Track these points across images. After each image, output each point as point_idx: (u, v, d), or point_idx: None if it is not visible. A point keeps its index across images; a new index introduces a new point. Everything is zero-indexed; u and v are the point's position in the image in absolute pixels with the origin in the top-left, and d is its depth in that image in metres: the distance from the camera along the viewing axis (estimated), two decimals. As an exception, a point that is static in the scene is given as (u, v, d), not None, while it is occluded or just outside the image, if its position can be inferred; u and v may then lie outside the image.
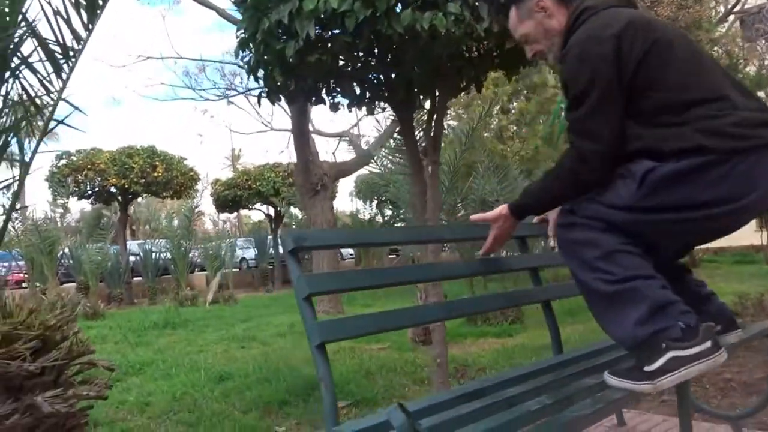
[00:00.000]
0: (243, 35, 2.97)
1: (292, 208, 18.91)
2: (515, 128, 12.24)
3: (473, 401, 1.39)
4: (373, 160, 10.62)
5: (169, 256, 16.18)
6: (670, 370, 1.45)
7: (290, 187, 17.96)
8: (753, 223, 14.38)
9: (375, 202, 21.16)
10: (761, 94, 13.63)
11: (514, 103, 12.66)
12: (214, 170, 76.28)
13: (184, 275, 15.76)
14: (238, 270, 19.55)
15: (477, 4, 2.52)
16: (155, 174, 16.41)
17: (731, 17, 15.86)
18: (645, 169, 1.53)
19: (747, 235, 13.96)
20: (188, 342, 7.37)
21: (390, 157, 7.56)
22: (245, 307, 11.68)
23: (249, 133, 43.22)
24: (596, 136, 1.58)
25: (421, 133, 3.80)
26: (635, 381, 1.49)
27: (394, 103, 3.27)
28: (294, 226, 21.50)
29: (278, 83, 2.97)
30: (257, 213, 25.11)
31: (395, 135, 6.81)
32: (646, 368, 1.48)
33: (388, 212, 21.65)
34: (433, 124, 3.09)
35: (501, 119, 12.12)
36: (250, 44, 2.98)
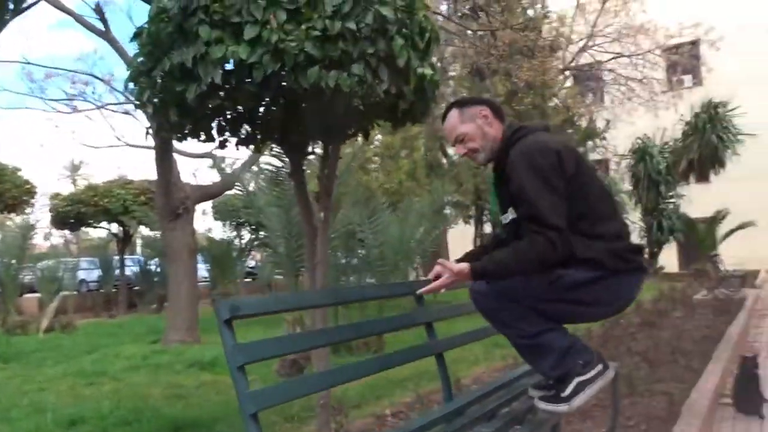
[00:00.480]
0: (137, 68, 2.90)
1: (143, 228, 17.87)
2: (379, 160, 12.71)
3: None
4: (237, 184, 10.45)
5: (-7, 276, 14.50)
6: (579, 392, 1.99)
7: (142, 206, 16.98)
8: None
9: (234, 224, 20.64)
10: (590, 143, 15.46)
11: (379, 135, 13.17)
12: (53, 183, 69.28)
13: (14, 299, 14.20)
14: (77, 293, 17.96)
15: (378, 66, 2.71)
16: (-18, 186, 14.70)
17: (567, 73, 17.84)
18: (556, 274, 1.96)
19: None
20: (25, 378, 6.66)
21: (263, 186, 7.52)
22: (88, 335, 10.78)
23: (100, 146, 40.09)
24: (557, 227, 1.93)
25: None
26: (556, 404, 2.00)
27: (287, 147, 3.35)
28: (142, 248, 20.29)
29: (172, 122, 2.92)
30: (98, 231, 23.32)
31: (270, 165, 6.82)
32: (562, 394, 1.99)
33: (246, 234, 21.25)
34: (326, 171, 3.22)
35: (366, 150, 12.55)
36: (142, 79, 2.92)
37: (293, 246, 7.16)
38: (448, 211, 13.11)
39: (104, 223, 18.19)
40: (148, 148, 14.78)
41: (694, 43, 20.68)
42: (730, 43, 20.10)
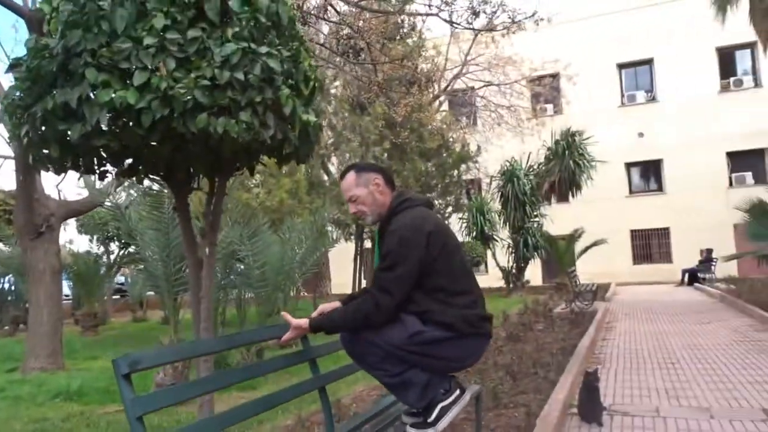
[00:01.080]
0: (14, 102, 2.83)
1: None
2: (260, 177, 12.67)
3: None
4: (108, 202, 10.00)
5: None
6: (441, 416, 2.33)
7: (-4, 220, 15.61)
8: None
9: (101, 239, 19.46)
10: (464, 166, 16.38)
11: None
12: None
13: None
14: None
15: (265, 113, 2.87)
16: None
17: (442, 97, 18.83)
18: (416, 329, 2.28)
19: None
20: None
21: (140, 209, 7.28)
22: (-69, 364, 9.70)
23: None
24: (393, 295, 2.26)
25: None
26: (424, 429, 2.32)
27: (172, 182, 3.39)
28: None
29: (51, 157, 2.88)
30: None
31: (148, 187, 6.65)
32: (428, 419, 2.33)
33: (114, 248, 20.11)
34: (212, 207, 3.30)
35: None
36: (18, 112, 2.86)
37: (171, 269, 7.01)
38: (330, 228, 13.31)
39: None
40: (4, 157, 13.70)
41: (555, 76, 22.68)
42: (585, 78, 22.26)
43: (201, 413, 2.92)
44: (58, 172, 3.08)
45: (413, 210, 2.42)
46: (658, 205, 24.77)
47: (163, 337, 7.43)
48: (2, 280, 16.87)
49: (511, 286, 19.20)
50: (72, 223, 19.88)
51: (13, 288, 16.60)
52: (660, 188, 25.41)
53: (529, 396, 5.11)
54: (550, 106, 24.68)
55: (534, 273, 22.52)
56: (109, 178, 3.51)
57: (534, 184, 18.74)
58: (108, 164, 3.35)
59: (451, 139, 14.62)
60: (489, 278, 22.81)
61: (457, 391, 2.41)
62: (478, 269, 23.67)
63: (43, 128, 2.76)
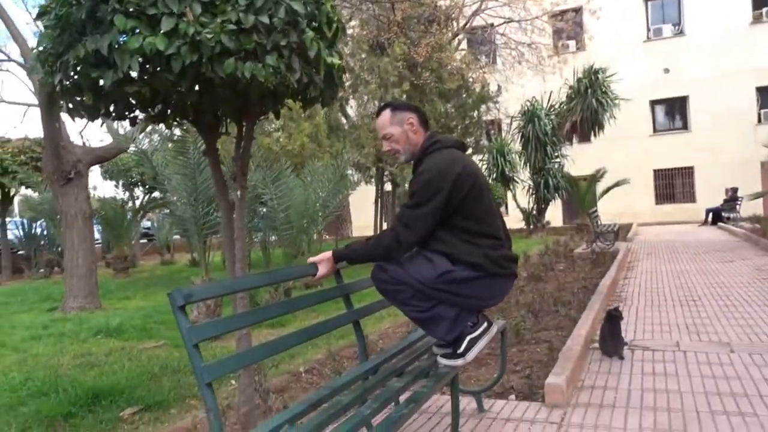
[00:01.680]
0: (46, 51, 2.88)
1: (24, 189, 16.77)
2: (280, 122, 12.68)
3: (319, 409, 1.82)
4: (133, 146, 10.13)
5: None
6: (470, 347, 2.45)
7: (23, 166, 15.90)
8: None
9: (127, 184, 19.81)
10: (483, 107, 16.18)
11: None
12: None
13: None
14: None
15: (291, 57, 2.88)
16: None
17: (461, 36, 18.39)
18: (445, 269, 2.36)
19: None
20: None
21: (167, 155, 7.39)
22: (-27, 305, 10.18)
23: (-29, 103, 36.53)
24: (414, 232, 2.35)
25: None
26: (454, 359, 2.45)
27: (201, 127, 3.45)
28: (21, 209, 19.01)
29: (85, 104, 2.95)
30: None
31: (175, 134, 6.73)
32: (458, 351, 2.46)
33: (139, 193, 20.49)
34: (241, 151, 3.37)
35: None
36: (50, 60, 2.91)
37: (199, 213, 7.17)
38: (350, 171, 13.37)
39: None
40: (28, 105, 13.85)
41: (577, 11, 21.93)
42: (608, 12, 21.49)
43: (239, 346, 3.08)
44: (92, 119, 3.15)
45: (444, 152, 2.47)
46: (682, 144, 24.34)
47: (194, 278, 7.68)
48: (34, 226, 17.35)
49: (531, 227, 19.25)
50: (96, 169, 20.22)
51: (45, 233, 17.07)
52: (685, 126, 24.88)
53: (551, 333, 5.25)
54: (572, 43, 24.01)
55: (554, 214, 22.51)
56: (139, 124, 3.58)
57: (555, 124, 18.48)
58: (138, 110, 3.41)
59: (470, 80, 14.37)
60: (509, 220, 22.82)
61: (485, 324, 2.52)
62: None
63: (76, 76, 2.81)
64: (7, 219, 17.61)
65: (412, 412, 1.85)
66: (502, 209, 23.34)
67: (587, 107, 17.65)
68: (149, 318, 7.52)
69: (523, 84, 19.33)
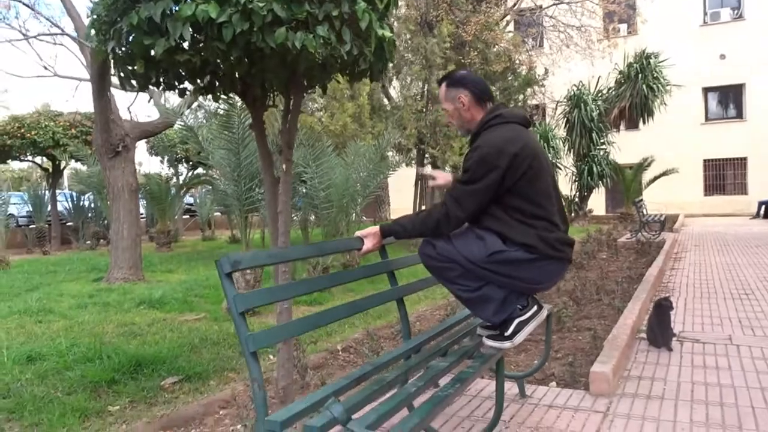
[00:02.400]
0: (100, 18, 2.89)
1: (75, 162, 17.24)
2: (323, 102, 12.66)
3: (362, 386, 1.78)
4: (180, 123, 10.25)
5: None
6: (518, 331, 2.36)
7: (73, 139, 16.33)
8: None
9: (171, 160, 20.17)
10: (528, 90, 15.85)
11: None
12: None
13: (-61, 235, 13.61)
14: (6, 228, 17.29)
15: (341, 28, 2.83)
16: None
17: (508, 17, 17.97)
18: (496, 248, 2.28)
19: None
20: (-34, 316, 6.60)
21: (212, 129, 7.44)
22: (24, 273, 10.55)
23: (26, 76, 37.94)
24: (464, 208, 2.28)
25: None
26: (501, 342, 2.36)
27: (248, 99, 3.43)
28: (71, 182, 19.58)
29: (137, 72, 2.96)
30: (18, 164, 22.32)
31: (220, 108, 6.76)
32: (506, 333, 2.37)
33: (183, 169, 20.87)
34: (287, 124, 3.34)
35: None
36: (104, 28, 2.93)
37: (242, 188, 7.21)
38: (390, 153, 13.30)
39: (31, 156, 17.39)
40: (79, 79, 14.15)
41: (632, -7, 21.18)
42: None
43: (280, 319, 3.08)
44: (142, 89, 3.17)
45: (504, 127, 2.37)
46: (736, 133, 23.41)
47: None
48: (83, 198, 17.86)
49: (573, 215, 18.87)
50: (142, 146, 20.66)
51: (92, 206, 17.55)
52: (739, 115, 23.91)
53: (593, 321, 5.13)
54: (623, 26, 23.22)
55: (597, 202, 22.01)
56: (186, 98, 3.58)
57: (602, 110, 17.98)
58: (187, 81, 3.41)
59: (517, 62, 14.04)
60: (550, 207, 22.48)
61: (535, 308, 2.44)
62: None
63: (128, 44, 2.82)
64: (57, 191, 18.17)
65: (457, 392, 1.80)
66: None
67: (637, 93, 17.11)
68: (190, 291, 7.66)
69: (570, 68, 18.82)
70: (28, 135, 16.03)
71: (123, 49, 2.87)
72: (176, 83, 3.34)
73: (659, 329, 4.21)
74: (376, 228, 2.42)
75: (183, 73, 3.30)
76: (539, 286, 2.46)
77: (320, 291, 2.63)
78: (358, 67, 3.16)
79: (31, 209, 17.54)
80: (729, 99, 24.27)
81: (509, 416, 2.94)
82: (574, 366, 3.75)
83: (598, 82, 18.45)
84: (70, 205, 17.78)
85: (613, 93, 18.05)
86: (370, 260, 7.59)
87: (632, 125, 18.89)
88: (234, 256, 1.61)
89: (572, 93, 18.13)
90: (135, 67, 2.92)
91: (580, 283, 6.69)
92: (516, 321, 2.35)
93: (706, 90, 24.05)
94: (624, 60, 17.78)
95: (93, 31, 2.98)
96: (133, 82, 3.08)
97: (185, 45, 2.77)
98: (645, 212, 13.11)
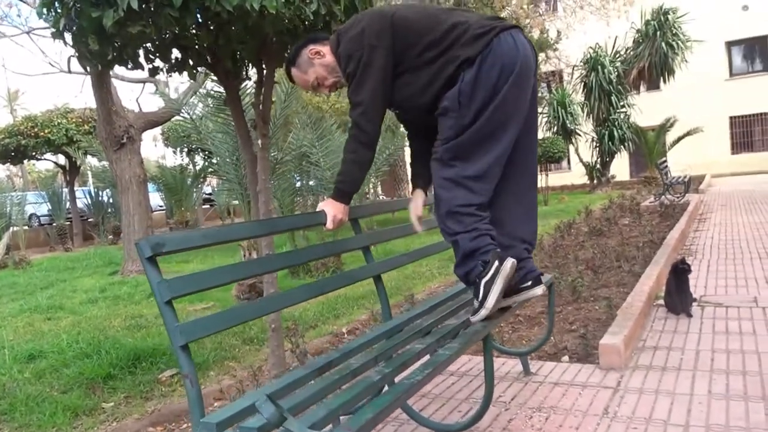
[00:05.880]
0: (47, -6, 2.70)
1: (90, 157, 17.29)
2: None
3: (324, 375, 1.59)
4: (183, 110, 10.11)
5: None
6: (487, 293, 1.98)
7: (87, 135, 16.36)
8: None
9: (185, 150, 20.14)
10: (542, 55, 15.35)
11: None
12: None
13: (-40, 237, 13.76)
14: (28, 228, 17.52)
15: (306, -14, 2.59)
16: None
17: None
18: (455, 95, 2.03)
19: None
20: (-21, 317, 6.61)
21: (208, 112, 7.28)
22: (44, 270, 10.62)
23: (33, 74, 38.28)
24: (365, 104, 2.07)
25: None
26: (477, 312, 2.02)
27: (219, 73, 3.23)
28: (92, 179, 19.72)
29: (92, 50, 2.77)
30: (44, 163, 22.57)
31: (212, 88, 6.58)
32: (476, 302, 2.05)
33: (199, 160, 20.82)
34: (261, 97, 3.13)
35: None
36: (56, 4, 2.74)
37: (242, 172, 7.05)
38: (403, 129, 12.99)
39: (49, 155, 17.51)
40: (85, 74, 14.09)
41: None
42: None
43: (267, 291, 2.90)
44: (101, 66, 2.98)
45: (346, 28, 2.17)
46: (763, 88, 22.48)
47: (243, 243, 7.63)
48: (101, 194, 17.98)
49: (595, 182, 18.38)
50: (160, 138, 20.68)
51: (111, 200, 17.65)
52: (766, 68, 22.96)
53: (612, 290, 4.87)
54: (640, -17, 22.40)
55: (620, 167, 21.40)
56: (191, 86, 3.37)
57: (621, 72, 17.36)
58: (157, 58, 3.22)
59: (528, 26, 13.54)
60: (572, 175, 21.98)
61: (496, 263, 2.00)
62: (560, 166, 22.79)
63: (79, 20, 2.63)
64: (77, 188, 18.31)
65: (427, 378, 1.59)
66: (564, 164, 22.43)
67: (656, 51, 16.46)
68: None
69: (586, 30, 18.18)
70: (42, 134, 16.10)
71: (75, 25, 2.68)
72: (144, 62, 3.16)
73: (677, 294, 3.94)
74: (329, 199, 2.16)
75: (150, 50, 3.12)
76: (513, 73, 2.03)
77: (269, 273, 2.41)
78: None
79: (50, 208, 17.71)
80: (754, 52, 23.28)
81: (510, 396, 2.73)
82: (587, 338, 3.51)
83: (615, 43, 17.80)
84: (89, 201, 17.91)
85: (631, 53, 17.41)
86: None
87: (653, 86, 18.24)
88: (156, 238, 1.42)
89: (588, 56, 17.53)
90: (90, 44, 2.73)
91: (599, 250, 6.41)
92: (482, 282, 2.00)
93: (730, 44, 23.09)
94: (641, 18, 17.10)
95: (44, 9, 2.79)
96: (92, 60, 2.89)
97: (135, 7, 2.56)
98: (669, 174, 12.64)
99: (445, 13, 2.16)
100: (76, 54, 2.90)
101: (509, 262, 1.98)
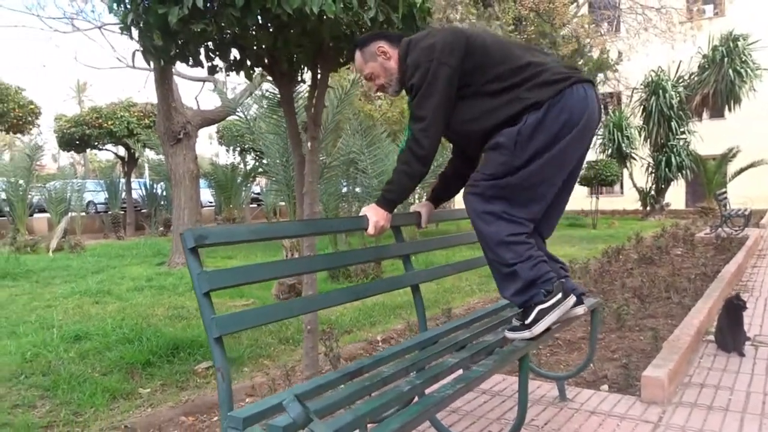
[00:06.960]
0: (117, -10, 2.80)
1: (148, 150, 17.86)
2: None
3: (354, 381, 1.57)
4: (239, 110, 10.33)
5: (3, 196, 14.67)
6: (539, 319, 2.03)
7: (146, 129, 16.91)
8: (586, 189, 16.07)
9: (238, 150, 20.58)
10: (600, 75, 15.06)
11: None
12: (57, 104, 69.03)
13: (23, 219, 14.41)
14: (85, 214, 18.20)
15: (365, -7, 2.60)
16: (-14, 105, 14.66)
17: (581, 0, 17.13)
18: (513, 134, 2.02)
19: (579, 200, 15.62)
20: (33, 296, 6.88)
21: (262, 113, 7.41)
22: (95, 256, 10.99)
23: (102, 68, 39.91)
24: (426, 120, 2.05)
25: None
26: (520, 332, 2.06)
27: (276, 75, 3.28)
28: (149, 171, 20.36)
29: (156, 45, 2.85)
30: (105, 153, 23.41)
31: (267, 89, 6.69)
32: (525, 322, 2.06)
33: (250, 160, 21.24)
34: (314, 100, 3.16)
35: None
36: (126, 1, 2.84)
37: (291, 173, 7.14)
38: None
39: (110, 146, 18.17)
40: (149, 70, 14.59)
41: (719, -29, 19.75)
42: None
43: (306, 292, 2.92)
44: (164, 62, 3.07)
45: (418, 38, 2.14)
46: (835, 122, 21.40)
47: (285, 242, 7.73)
48: (156, 186, 18.53)
49: (648, 208, 17.85)
50: (215, 137, 21.17)
51: (164, 193, 18.17)
52: (839, 102, 21.85)
53: (659, 320, 4.70)
54: (709, 7, 21.72)
55: (676, 196, 20.72)
56: (248, 87, 3.45)
57: (683, 97, 16.84)
58: (217, 57, 3.30)
59: (588, 45, 13.31)
60: (624, 200, 21.41)
61: (559, 295, 2.06)
62: (612, 190, 22.23)
63: (145, 14, 2.72)
64: (134, 179, 18.93)
65: (459, 393, 1.55)
66: (617, 188, 21.85)
67: (722, 78, 15.92)
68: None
69: (648, 53, 17.74)
70: (105, 125, 16.73)
71: (141, 20, 2.77)
72: (204, 59, 3.24)
73: (730, 331, 3.77)
74: (373, 204, 2.16)
75: (211, 48, 3.20)
76: (579, 126, 2.05)
77: (308, 273, 2.41)
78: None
79: (107, 196, 18.36)
80: (828, 84, 22.24)
81: (544, 421, 2.65)
82: (629, 368, 3.39)
83: (679, 67, 17.30)
84: (144, 193, 18.48)
85: (696, 79, 16.88)
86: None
87: (716, 113, 17.63)
88: (200, 230, 1.44)
89: (650, 79, 17.08)
90: (154, 39, 2.82)
91: (648, 279, 6.20)
92: (537, 308, 2.03)
93: (802, 75, 22.13)
94: (708, 43, 16.58)
95: (115, 5, 2.90)
96: (156, 55, 2.98)
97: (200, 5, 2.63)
98: (728, 206, 12.16)
99: (520, 49, 2.17)
100: (141, 49, 3.00)
101: (572, 300, 2.04)
